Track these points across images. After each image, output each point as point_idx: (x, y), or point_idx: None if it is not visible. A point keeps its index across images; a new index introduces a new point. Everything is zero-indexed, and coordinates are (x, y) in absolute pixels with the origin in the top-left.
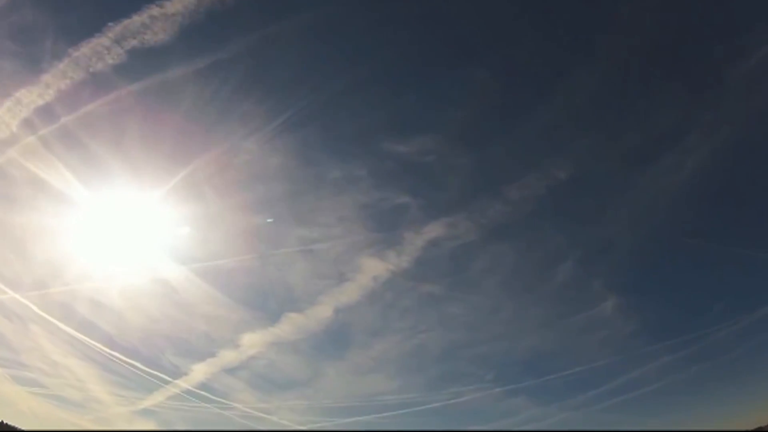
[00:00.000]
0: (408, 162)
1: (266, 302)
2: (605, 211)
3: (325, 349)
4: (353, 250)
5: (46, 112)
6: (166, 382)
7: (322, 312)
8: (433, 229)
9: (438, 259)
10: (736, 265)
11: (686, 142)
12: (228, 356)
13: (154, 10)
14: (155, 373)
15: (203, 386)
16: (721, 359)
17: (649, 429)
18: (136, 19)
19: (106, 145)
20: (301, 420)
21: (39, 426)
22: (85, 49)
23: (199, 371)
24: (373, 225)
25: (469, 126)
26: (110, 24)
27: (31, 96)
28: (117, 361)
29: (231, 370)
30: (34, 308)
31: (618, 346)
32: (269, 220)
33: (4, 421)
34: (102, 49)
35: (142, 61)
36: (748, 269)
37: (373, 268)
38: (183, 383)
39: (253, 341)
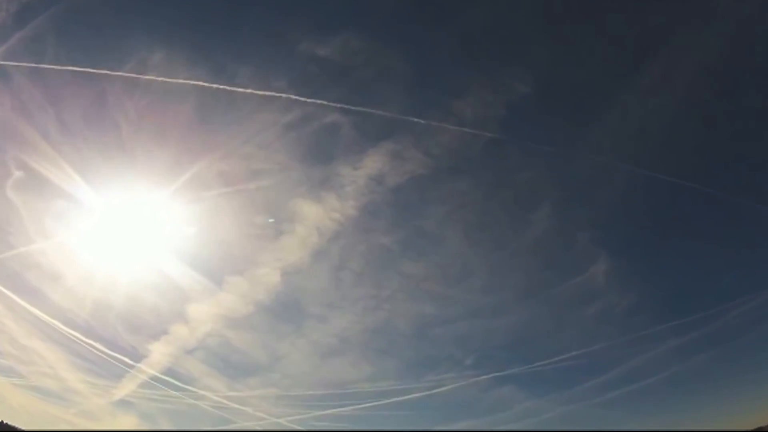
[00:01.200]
0: (332, 68)
1: (204, 263)
2: (585, 137)
3: (278, 324)
4: (283, 190)
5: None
6: (131, 367)
7: (266, 276)
8: (374, 161)
9: (386, 202)
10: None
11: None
12: (181, 332)
13: None
14: (117, 355)
15: (168, 371)
16: (737, 343)
17: (650, 429)
18: None
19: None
20: (277, 412)
21: (38, 425)
22: None
23: (158, 352)
24: (301, 153)
25: (404, 20)
26: None
27: None
28: (77, 341)
29: (188, 351)
30: None
31: (615, 326)
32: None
33: (4, 421)
34: None
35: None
36: None
37: (312, 215)
38: (147, 367)
39: (201, 314)
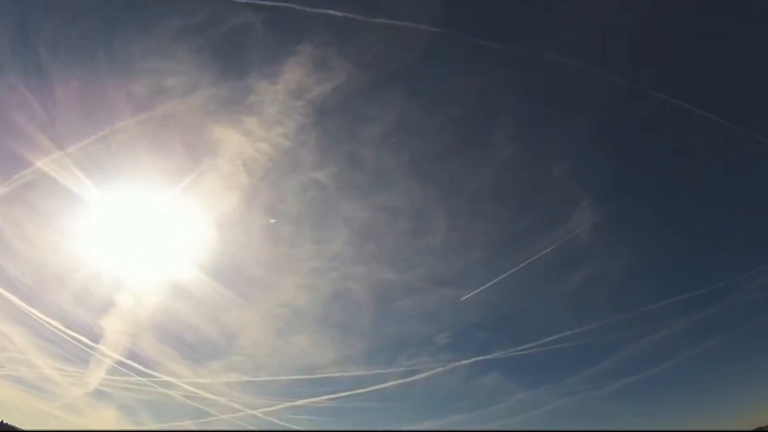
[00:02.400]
0: None
1: (126, 220)
2: (548, 32)
3: (221, 291)
4: (196, 115)
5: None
6: (92, 348)
7: (193, 226)
8: (292, 71)
9: (317, 126)
10: None
11: None
12: (125, 303)
13: None
14: (75, 334)
15: (131, 355)
16: (744, 329)
17: (650, 429)
18: None
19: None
20: (250, 402)
21: (29, 420)
22: None
23: (111, 329)
24: (211, 66)
25: None
26: None
27: None
28: (37, 319)
29: (140, 329)
30: None
31: (608, 300)
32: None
33: (4, 421)
34: None
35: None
36: None
37: (234, 145)
38: (107, 349)
39: (135, 280)
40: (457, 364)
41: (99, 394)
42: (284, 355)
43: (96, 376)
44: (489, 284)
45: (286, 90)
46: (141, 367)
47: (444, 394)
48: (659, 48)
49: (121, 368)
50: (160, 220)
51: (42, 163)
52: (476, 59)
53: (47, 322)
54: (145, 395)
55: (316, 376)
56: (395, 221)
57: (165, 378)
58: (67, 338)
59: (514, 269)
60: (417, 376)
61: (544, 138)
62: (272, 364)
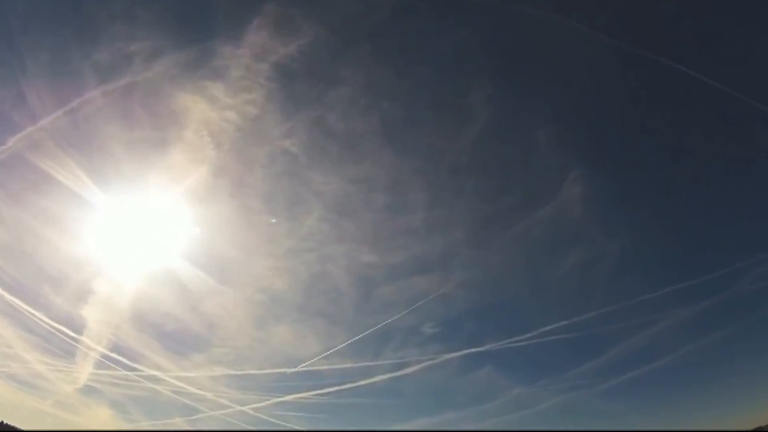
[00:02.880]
0: None
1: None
2: None
3: (197, 277)
4: (157, 78)
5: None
6: (76, 340)
7: (161, 201)
8: (256, 36)
9: (283, 91)
10: None
11: None
12: (102, 289)
13: None
14: (56, 325)
15: (115, 348)
16: (750, 320)
17: (650, 429)
18: None
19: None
20: (238, 398)
21: (28, 420)
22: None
23: (92, 319)
24: (172, 29)
25: None
26: None
27: None
28: (21, 311)
29: (120, 318)
30: None
31: (608, 287)
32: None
33: (4, 421)
34: None
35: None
36: None
37: (199, 113)
38: (90, 341)
39: (106, 264)
40: (447, 356)
41: (90, 391)
42: (267, 346)
43: (84, 371)
44: (474, 268)
45: (251, 54)
46: (126, 360)
47: (437, 389)
48: (652, 6)
49: (106, 362)
50: (124, 199)
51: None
52: (450, 15)
53: (31, 313)
54: (134, 390)
55: (302, 369)
56: (371, 194)
57: (150, 372)
58: (51, 330)
59: (501, 251)
60: (406, 370)
61: (526, 101)
62: (255, 356)
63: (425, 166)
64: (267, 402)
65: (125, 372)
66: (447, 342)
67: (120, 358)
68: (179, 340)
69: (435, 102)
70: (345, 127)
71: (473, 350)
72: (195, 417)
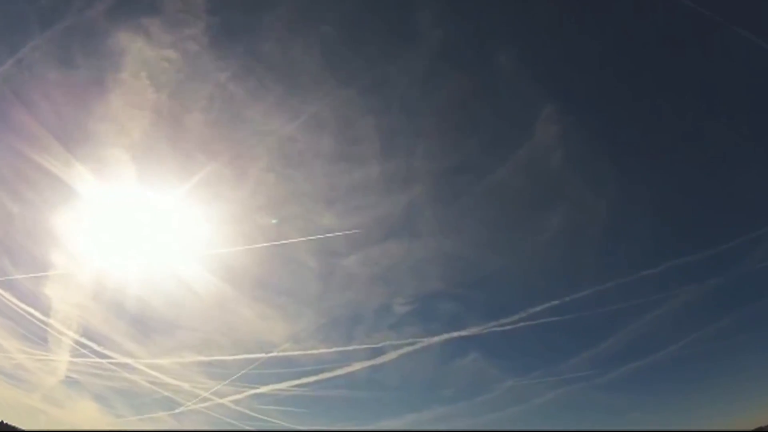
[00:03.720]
0: None
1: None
2: None
3: (146, 249)
4: (95, 18)
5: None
6: (46, 324)
7: (107, 154)
8: None
9: (216, 22)
10: None
11: None
12: (58, 262)
13: None
14: (25, 307)
15: (86, 333)
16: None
17: (650, 429)
18: None
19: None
20: (217, 390)
21: (19, 417)
22: None
23: (55, 297)
24: None
25: None
26: None
27: None
28: None
29: (83, 296)
30: None
31: (600, 256)
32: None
33: (4, 421)
34: None
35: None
36: None
37: (137, 54)
38: (61, 326)
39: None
40: (426, 341)
41: (72, 383)
42: (231, 330)
43: (62, 360)
44: (445, 231)
45: None
46: (96, 346)
47: (421, 381)
48: None
49: (80, 348)
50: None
51: None
52: None
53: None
54: (112, 382)
55: (274, 355)
56: (319, 137)
57: (123, 359)
58: (22, 312)
59: (473, 209)
60: (384, 358)
61: (484, 18)
62: (223, 340)
63: (375, 103)
64: (244, 393)
65: (99, 359)
66: (423, 323)
67: (91, 344)
68: (144, 323)
69: (376, 21)
70: (283, 57)
71: (455, 335)
72: (177, 411)
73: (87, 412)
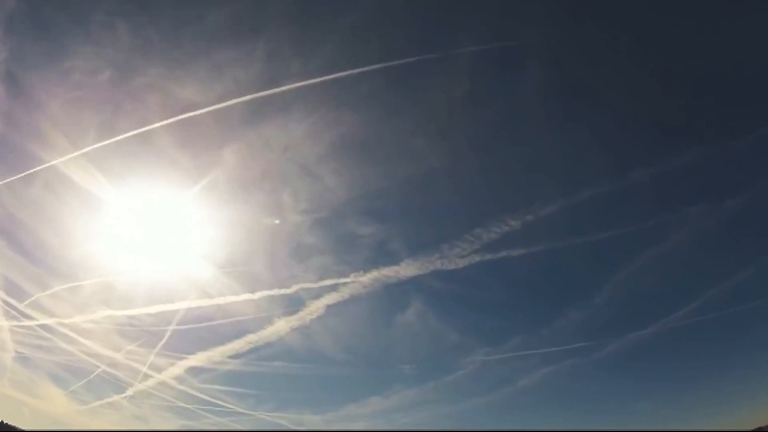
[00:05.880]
0: None
1: None
2: None
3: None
4: None
5: None
6: None
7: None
8: None
9: None
10: None
11: None
12: None
13: None
14: None
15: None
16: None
17: (650, 429)
18: None
19: None
20: (153, 363)
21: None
22: None
23: None
24: None
25: None
26: None
27: None
28: None
29: None
30: None
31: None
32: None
33: (4, 421)
34: None
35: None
36: None
37: None
38: None
39: None
40: (355, 280)
41: (23, 360)
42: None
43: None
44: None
45: None
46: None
47: (369, 346)
48: None
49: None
50: None
51: None
52: None
53: None
54: (55, 356)
55: (185, 305)
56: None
57: (44, 321)
58: None
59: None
60: (314, 309)
61: None
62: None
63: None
64: (178, 365)
65: (26, 321)
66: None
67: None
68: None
69: None
70: None
71: (390, 273)
72: (128, 394)
73: (55, 399)
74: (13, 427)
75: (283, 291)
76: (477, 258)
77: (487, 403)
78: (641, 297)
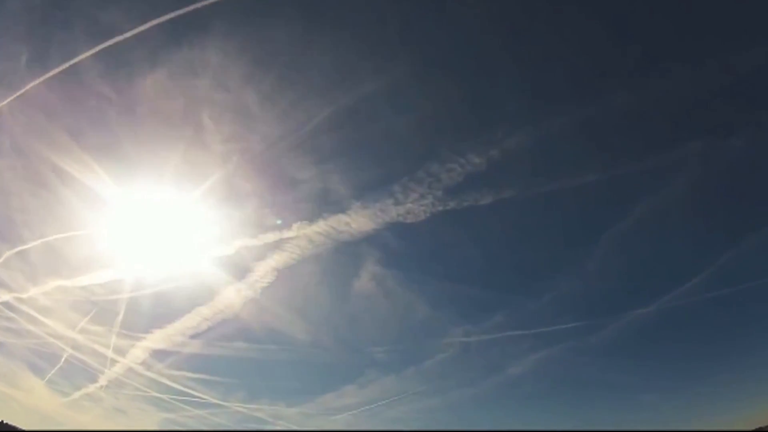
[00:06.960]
0: None
1: None
2: None
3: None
4: None
5: None
6: None
7: None
8: None
9: None
10: None
11: None
12: None
13: None
14: None
15: None
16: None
17: (650, 429)
18: None
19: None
20: (116, 344)
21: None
22: None
23: None
24: None
25: None
26: None
27: None
28: None
29: None
30: None
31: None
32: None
33: (4, 421)
34: None
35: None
36: None
37: None
38: None
39: None
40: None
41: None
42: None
43: None
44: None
45: None
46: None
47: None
48: None
49: None
50: None
51: None
52: None
53: None
54: (24, 339)
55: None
56: None
57: (2, 298)
58: None
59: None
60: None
61: None
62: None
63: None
64: (139, 345)
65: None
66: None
67: None
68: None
69: None
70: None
71: (339, 223)
72: (102, 383)
73: (37, 391)
74: (13, 427)
75: (223, 251)
76: (439, 207)
77: (473, 395)
78: (641, 262)
